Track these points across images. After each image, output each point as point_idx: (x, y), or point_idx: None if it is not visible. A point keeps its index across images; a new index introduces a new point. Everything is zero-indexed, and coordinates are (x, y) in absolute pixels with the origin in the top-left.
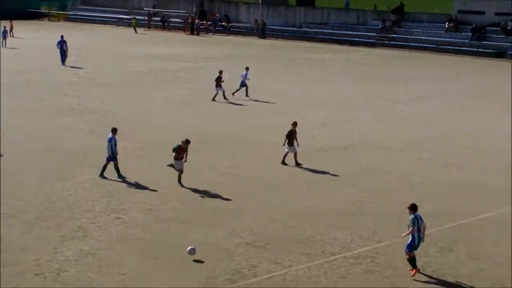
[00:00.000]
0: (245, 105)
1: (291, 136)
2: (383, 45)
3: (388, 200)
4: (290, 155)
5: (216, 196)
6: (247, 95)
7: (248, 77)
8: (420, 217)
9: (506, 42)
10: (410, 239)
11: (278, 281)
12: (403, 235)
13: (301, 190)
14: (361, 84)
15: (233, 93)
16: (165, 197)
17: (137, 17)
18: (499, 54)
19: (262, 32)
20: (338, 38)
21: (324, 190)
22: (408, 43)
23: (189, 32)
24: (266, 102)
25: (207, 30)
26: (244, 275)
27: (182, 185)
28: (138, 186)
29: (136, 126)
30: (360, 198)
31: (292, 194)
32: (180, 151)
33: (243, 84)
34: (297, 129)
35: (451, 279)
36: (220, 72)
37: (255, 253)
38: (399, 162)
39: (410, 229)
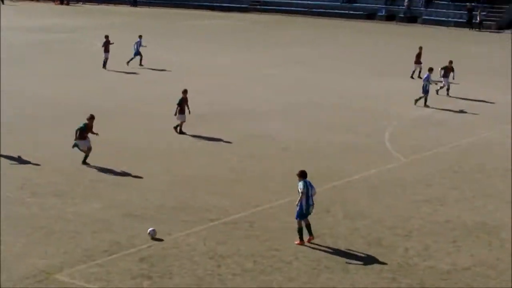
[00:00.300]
0: (132, 74)
1: (182, 104)
2: (256, 10)
3: (266, 165)
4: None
5: (94, 168)
6: (141, 64)
7: (143, 44)
8: (310, 183)
9: (376, 4)
10: (298, 207)
11: (157, 249)
12: (296, 202)
13: (180, 158)
14: (236, 50)
15: (127, 62)
16: (41, 172)
17: None
18: (370, 15)
19: (133, 0)
20: (210, 4)
21: (203, 157)
22: (281, 8)
23: (58, 2)
24: (141, 71)
25: (77, 0)
26: (122, 246)
27: (88, 164)
28: (14, 160)
29: (19, 101)
30: (239, 164)
31: (171, 162)
32: (87, 129)
33: (137, 53)
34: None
35: (329, 239)
36: (106, 36)
37: (133, 223)
38: (276, 127)
39: (300, 196)
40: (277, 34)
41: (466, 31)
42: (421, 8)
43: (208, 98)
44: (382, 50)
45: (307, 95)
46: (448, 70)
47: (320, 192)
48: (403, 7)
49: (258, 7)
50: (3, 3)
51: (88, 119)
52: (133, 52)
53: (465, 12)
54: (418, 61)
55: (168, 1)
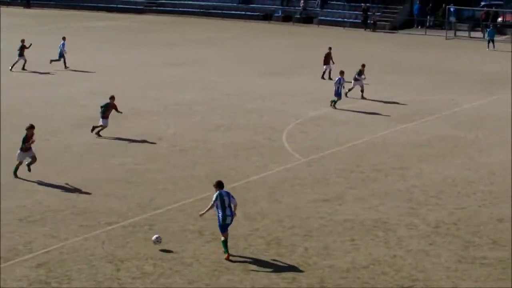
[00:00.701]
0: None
1: (107, 109)
2: (152, 11)
3: (162, 166)
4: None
5: None
6: (66, 66)
7: (65, 48)
8: (227, 193)
9: (273, 5)
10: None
11: (55, 255)
12: (201, 213)
13: (76, 161)
14: (127, 51)
15: (51, 61)
16: None
17: None
18: (266, 16)
19: (26, 1)
20: (106, 5)
21: (98, 160)
22: (177, 9)
23: None
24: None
25: None
26: (19, 252)
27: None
28: None
29: None
30: (134, 165)
31: (66, 166)
32: (28, 139)
33: (61, 55)
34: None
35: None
36: (22, 41)
37: (29, 228)
38: (171, 128)
39: (209, 206)
40: (173, 34)
41: (361, 32)
42: (317, 9)
43: (101, 99)
44: (279, 51)
45: (202, 95)
46: (361, 73)
47: None
48: (299, 8)
49: (154, 8)
50: None
51: (27, 129)
52: (58, 53)
53: (360, 12)
54: (327, 61)
55: (63, 2)
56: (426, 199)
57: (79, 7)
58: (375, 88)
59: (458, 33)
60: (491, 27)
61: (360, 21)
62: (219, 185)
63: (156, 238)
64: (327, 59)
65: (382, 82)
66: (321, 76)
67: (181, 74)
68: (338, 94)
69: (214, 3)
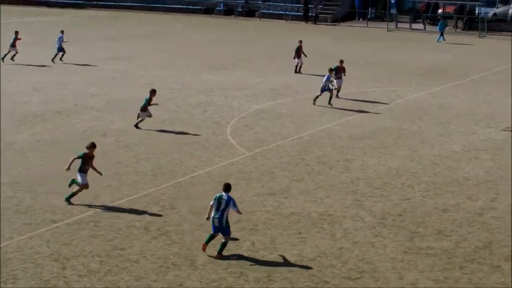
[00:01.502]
0: None
1: (148, 104)
2: (93, 6)
3: (107, 163)
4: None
5: None
6: (61, 59)
7: (65, 40)
8: (229, 199)
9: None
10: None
11: None
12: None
13: (18, 158)
14: (68, 46)
15: (52, 59)
16: None
17: None
18: (208, 10)
19: None
20: (46, 0)
21: (41, 157)
22: (119, 3)
23: None
24: None
25: None
26: None
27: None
28: None
29: None
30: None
31: (9, 163)
32: (88, 160)
33: (60, 49)
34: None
35: (175, 236)
36: (16, 32)
37: None
38: (114, 123)
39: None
40: (114, 29)
41: (303, 24)
42: (259, 2)
43: (42, 96)
44: (221, 45)
45: (145, 90)
46: (340, 70)
47: (164, 189)
48: (241, 2)
49: (95, 2)
50: None
51: (88, 147)
52: (56, 47)
53: (302, 5)
54: (298, 55)
55: None
56: (371, 191)
57: (18, 2)
58: (319, 81)
59: (400, 25)
60: (442, 20)
61: (301, 14)
62: (226, 188)
63: None
64: (299, 52)
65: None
66: (294, 70)
67: (124, 69)
68: (322, 90)
69: None
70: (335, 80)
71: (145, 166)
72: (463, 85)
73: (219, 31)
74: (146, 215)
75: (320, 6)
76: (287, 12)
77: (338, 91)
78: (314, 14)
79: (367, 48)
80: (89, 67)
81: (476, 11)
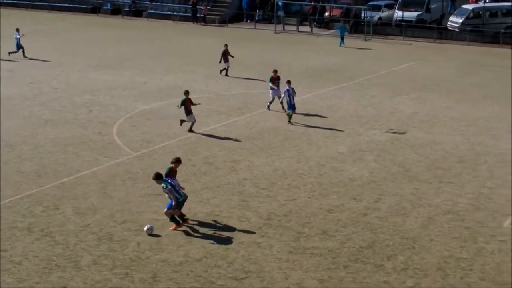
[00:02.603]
0: None
1: (185, 105)
2: None
3: None
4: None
5: None
6: (24, 55)
7: (19, 36)
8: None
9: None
10: (170, 201)
11: None
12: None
13: None
14: None
15: (9, 53)
16: None
17: None
18: (94, 9)
19: None
20: None
21: None
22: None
23: None
24: None
25: None
26: None
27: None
28: None
29: None
30: None
31: None
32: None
33: (19, 46)
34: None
35: (58, 237)
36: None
37: None
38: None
39: (173, 197)
40: None
41: (191, 25)
42: (146, 2)
43: None
44: (108, 44)
45: (29, 90)
46: (273, 80)
47: (48, 189)
48: (129, 1)
49: None
50: None
51: (173, 162)
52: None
53: (190, 6)
54: (226, 59)
55: None
56: (257, 191)
57: None
58: (206, 82)
59: (287, 27)
60: (341, 24)
61: (189, 14)
62: (159, 176)
63: (149, 228)
64: (226, 56)
65: (211, 76)
66: (219, 71)
67: (8, 68)
68: (291, 106)
69: None
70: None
71: (28, 166)
72: (349, 88)
73: (106, 30)
74: (29, 216)
75: (208, 7)
76: (175, 13)
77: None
78: (202, 15)
79: (255, 49)
80: None
81: (362, 15)
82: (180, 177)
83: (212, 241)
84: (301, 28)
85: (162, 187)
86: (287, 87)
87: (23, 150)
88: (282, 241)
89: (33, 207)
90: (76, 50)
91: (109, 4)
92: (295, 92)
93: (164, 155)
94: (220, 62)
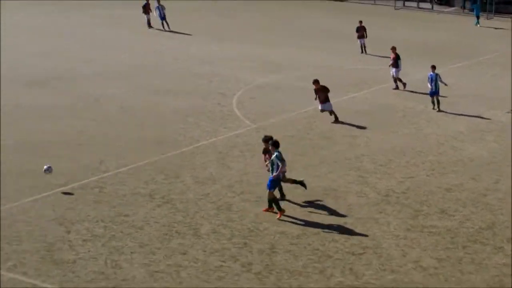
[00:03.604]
0: None
1: (317, 94)
2: None
3: (112, 129)
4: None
5: None
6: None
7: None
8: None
9: None
10: (270, 177)
11: (5, 215)
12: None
13: (23, 122)
14: (69, 14)
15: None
16: None
17: None
18: None
19: None
20: None
21: (47, 121)
22: None
23: None
24: None
25: None
26: None
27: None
28: None
29: None
30: (84, 128)
31: (15, 126)
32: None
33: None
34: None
35: (179, 205)
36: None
37: None
38: (117, 90)
39: (280, 167)
40: None
41: (311, 1)
42: None
43: (47, 61)
44: (227, 18)
45: (151, 59)
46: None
47: (169, 158)
48: None
49: None
50: None
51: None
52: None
53: None
54: (361, 35)
55: None
56: (375, 167)
57: None
58: (323, 57)
59: (407, 3)
60: (477, 2)
61: None
62: (277, 144)
63: (47, 168)
64: (361, 31)
65: (328, 51)
66: (360, 51)
67: (124, 36)
68: (432, 92)
69: None
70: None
71: (149, 134)
72: (470, 66)
73: (228, 3)
74: (151, 183)
75: None
76: None
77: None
78: None
79: (373, 25)
80: (89, 35)
81: None
82: (297, 150)
83: (329, 215)
84: (422, 5)
85: (275, 156)
86: (431, 73)
87: (145, 118)
88: (399, 218)
89: (154, 175)
90: (198, 21)
91: None
92: (440, 77)
93: (283, 127)
94: (358, 38)
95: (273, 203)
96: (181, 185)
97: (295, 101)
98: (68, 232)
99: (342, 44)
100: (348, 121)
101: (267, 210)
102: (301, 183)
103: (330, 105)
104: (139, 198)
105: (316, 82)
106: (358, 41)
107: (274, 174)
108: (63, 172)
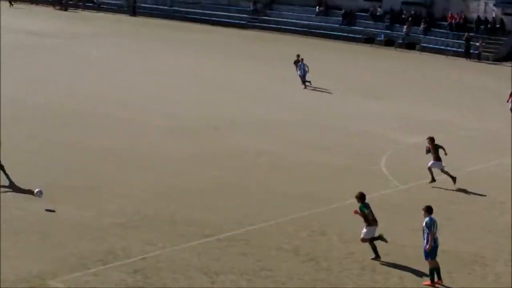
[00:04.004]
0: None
1: (432, 151)
2: (255, 27)
3: (259, 182)
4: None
5: (86, 175)
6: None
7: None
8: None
9: (375, 28)
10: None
11: (152, 262)
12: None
13: (172, 170)
14: (231, 64)
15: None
16: (31, 175)
17: None
18: (368, 39)
19: (132, 9)
20: (209, 18)
21: (192, 170)
22: (279, 26)
23: (58, 7)
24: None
25: (76, 6)
26: (117, 256)
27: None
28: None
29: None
30: (229, 179)
31: (164, 174)
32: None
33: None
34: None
35: (323, 262)
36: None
37: (128, 233)
38: (269, 144)
39: (428, 235)
40: (274, 51)
41: (463, 61)
42: (420, 35)
43: (198, 110)
44: (379, 74)
45: (297, 113)
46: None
47: (315, 214)
48: (402, 33)
49: (257, 24)
50: (12, 5)
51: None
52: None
53: (463, 41)
54: None
55: (169, 14)
56: None
57: (182, 19)
58: (474, 120)
59: None
60: None
61: (463, 50)
62: (430, 210)
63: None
64: None
65: (481, 114)
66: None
67: (281, 91)
68: None
69: (317, 23)
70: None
71: (296, 189)
72: None
73: (377, 61)
74: (296, 239)
75: (483, 44)
76: (448, 48)
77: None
78: (477, 52)
79: None
80: (250, 86)
81: None
82: (446, 214)
83: (476, 283)
84: None
85: (426, 223)
86: None
87: (293, 172)
88: None
89: (299, 230)
90: (348, 79)
91: (382, 35)
92: None
93: (432, 190)
94: (508, 101)
95: (433, 271)
96: (326, 243)
97: (447, 164)
98: (213, 282)
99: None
100: (499, 186)
101: (430, 285)
102: (381, 238)
103: (441, 164)
104: (283, 253)
105: (430, 139)
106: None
107: (425, 245)
108: (210, 223)
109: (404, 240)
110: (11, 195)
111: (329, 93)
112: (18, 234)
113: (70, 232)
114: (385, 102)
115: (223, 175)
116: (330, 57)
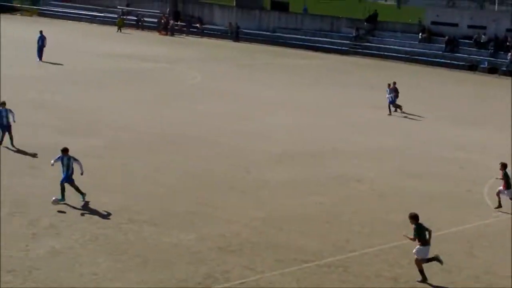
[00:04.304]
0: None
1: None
2: (356, 53)
3: (359, 208)
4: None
5: (189, 199)
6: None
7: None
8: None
9: (479, 55)
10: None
11: (251, 287)
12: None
13: (273, 195)
14: (332, 90)
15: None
16: (136, 198)
17: (110, 15)
18: (472, 67)
19: (235, 35)
20: (311, 44)
21: (295, 196)
22: (381, 52)
23: (163, 32)
24: (234, 107)
25: (181, 31)
26: (216, 280)
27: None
28: (107, 186)
29: (103, 125)
30: (331, 205)
31: (264, 199)
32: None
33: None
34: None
35: None
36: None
37: (227, 258)
38: (369, 170)
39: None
40: (375, 77)
41: None
42: None
43: (298, 136)
44: (482, 102)
45: (400, 140)
46: None
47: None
48: (507, 61)
49: (359, 50)
50: (120, 31)
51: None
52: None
53: None
54: None
55: (270, 39)
56: None
57: (284, 44)
58: None
59: None
60: None
61: None
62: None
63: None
64: None
65: None
66: None
67: (379, 117)
68: None
69: (420, 50)
70: None
71: (396, 217)
72: None
73: (480, 88)
74: (396, 266)
75: None
76: None
77: None
78: None
79: None
80: (350, 112)
81: None
82: None
83: None
84: None
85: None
86: None
87: (392, 199)
88: None
89: (400, 258)
90: (447, 105)
91: (486, 63)
92: None
93: None
94: None
95: None
96: (426, 272)
97: None
98: None
99: None
100: None
101: None
102: (437, 259)
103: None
104: (383, 281)
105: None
106: None
107: None
108: (310, 248)
109: (507, 271)
110: (115, 215)
111: (430, 120)
112: (119, 256)
113: (170, 255)
114: (486, 130)
115: (324, 201)
116: (432, 85)
